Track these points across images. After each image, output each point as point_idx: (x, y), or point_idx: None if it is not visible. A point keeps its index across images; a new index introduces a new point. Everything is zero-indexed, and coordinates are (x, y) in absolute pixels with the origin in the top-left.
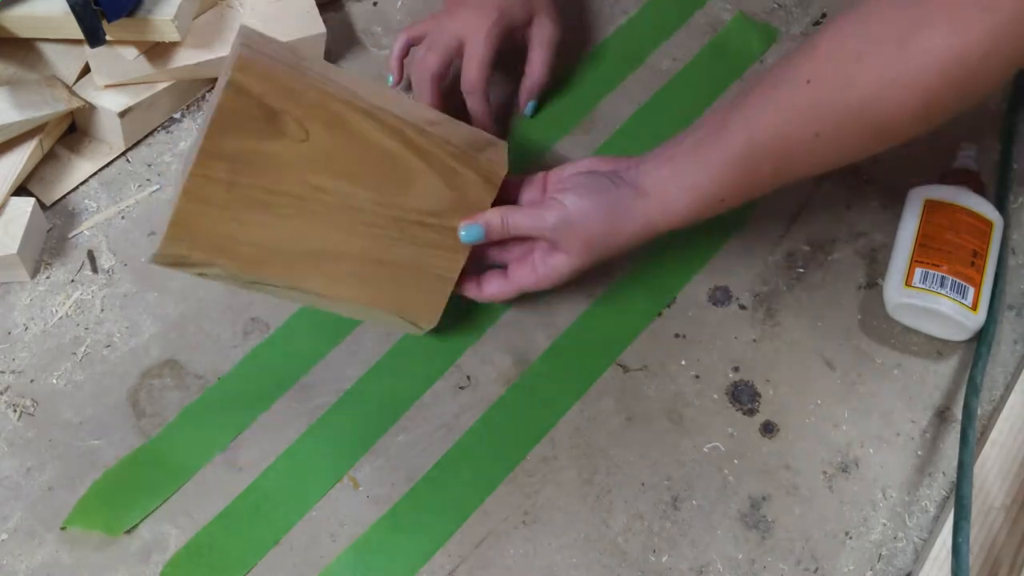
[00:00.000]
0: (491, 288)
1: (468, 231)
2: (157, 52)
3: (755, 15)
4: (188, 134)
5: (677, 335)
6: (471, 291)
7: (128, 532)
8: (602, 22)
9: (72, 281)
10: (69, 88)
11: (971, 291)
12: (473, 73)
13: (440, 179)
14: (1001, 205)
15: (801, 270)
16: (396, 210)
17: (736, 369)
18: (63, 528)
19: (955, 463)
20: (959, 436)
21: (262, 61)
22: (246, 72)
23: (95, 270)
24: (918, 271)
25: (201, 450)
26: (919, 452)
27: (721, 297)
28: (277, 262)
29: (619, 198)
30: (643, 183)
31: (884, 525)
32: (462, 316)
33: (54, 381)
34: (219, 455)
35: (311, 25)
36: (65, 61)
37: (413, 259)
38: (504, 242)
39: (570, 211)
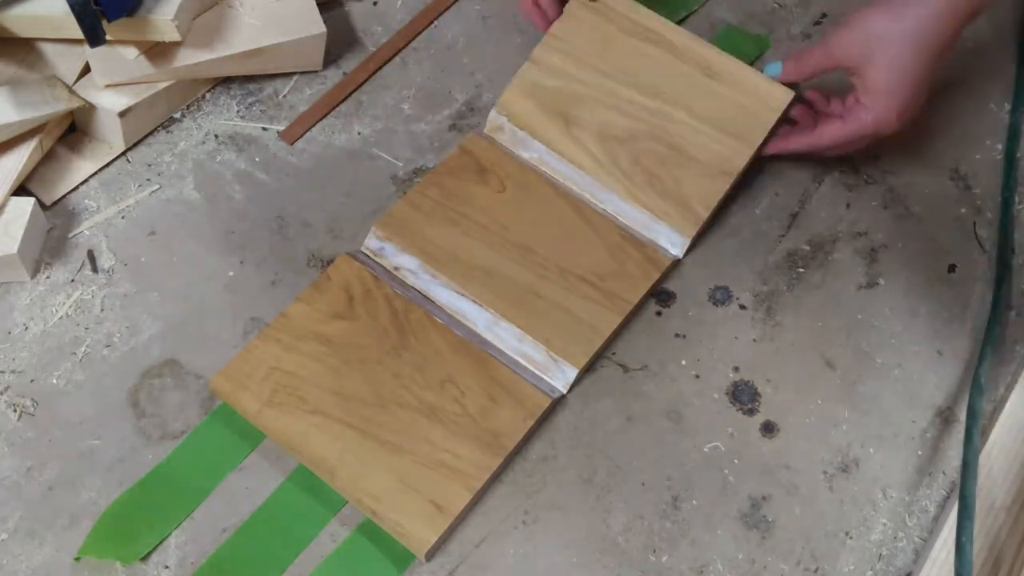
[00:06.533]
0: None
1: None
2: (157, 52)
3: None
4: (188, 134)
5: (677, 335)
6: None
7: (143, 560)
8: None
9: (72, 281)
10: (69, 88)
11: None
12: None
13: (605, 250)
14: (1006, 205)
15: (801, 270)
16: (563, 262)
17: (736, 369)
18: (77, 559)
19: (955, 463)
20: (963, 436)
21: (485, 141)
22: (473, 143)
23: (95, 270)
24: None
25: (213, 470)
26: (919, 452)
27: (721, 297)
28: (453, 266)
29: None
30: None
31: (884, 525)
32: None
33: (54, 381)
34: (232, 474)
35: (311, 25)
36: (65, 61)
37: (570, 305)
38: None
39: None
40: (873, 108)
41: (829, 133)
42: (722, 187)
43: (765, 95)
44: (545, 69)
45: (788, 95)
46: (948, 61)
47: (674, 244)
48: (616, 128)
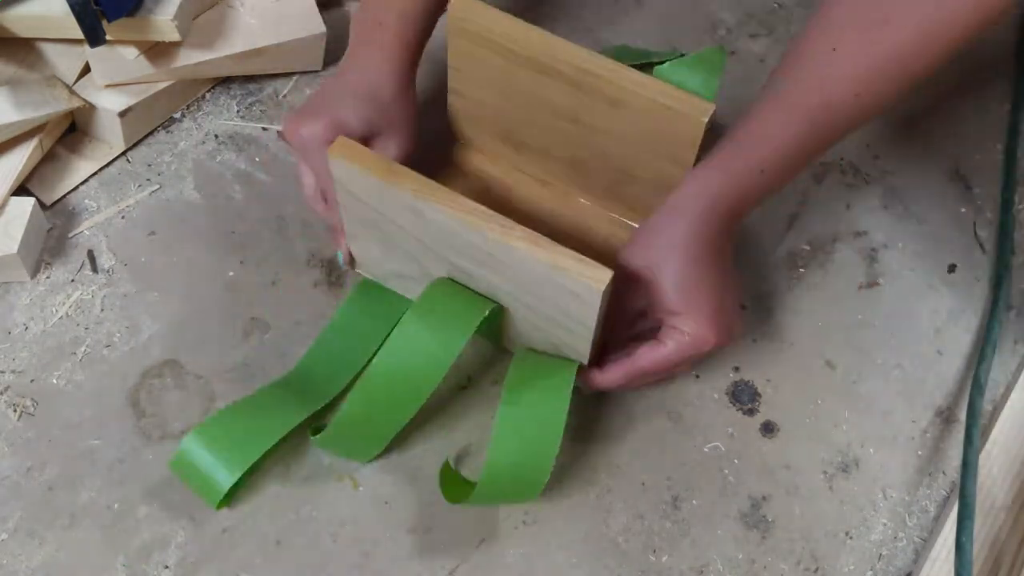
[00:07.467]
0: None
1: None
2: (157, 52)
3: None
4: (188, 134)
5: None
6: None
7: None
8: (603, 26)
9: (72, 281)
10: (69, 88)
11: None
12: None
13: (597, 248)
14: (1006, 205)
15: (801, 270)
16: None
17: (736, 369)
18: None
19: (955, 463)
20: (963, 436)
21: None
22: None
23: (95, 270)
24: None
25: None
26: (919, 452)
27: None
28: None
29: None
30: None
31: (884, 525)
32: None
33: (54, 381)
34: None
35: (311, 25)
36: (65, 61)
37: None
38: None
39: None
40: (686, 330)
41: (648, 356)
42: None
43: (677, 120)
44: (468, 100)
45: (702, 119)
46: (729, 254)
47: None
48: (560, 152)
